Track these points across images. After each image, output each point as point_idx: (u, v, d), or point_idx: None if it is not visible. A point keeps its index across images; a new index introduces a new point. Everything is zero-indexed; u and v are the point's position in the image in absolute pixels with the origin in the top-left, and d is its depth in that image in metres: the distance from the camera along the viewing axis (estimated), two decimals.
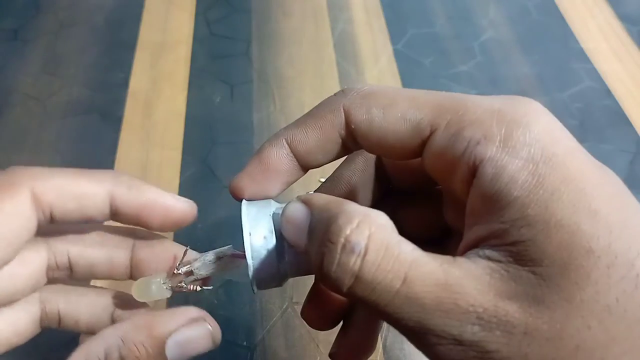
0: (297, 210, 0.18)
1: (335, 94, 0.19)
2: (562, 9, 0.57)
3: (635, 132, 0.46)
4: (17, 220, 0.18)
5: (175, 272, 0.21)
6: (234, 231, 0.21)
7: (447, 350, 0.14)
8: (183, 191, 0.41)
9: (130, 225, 0.21)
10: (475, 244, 0.16)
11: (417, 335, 0.15)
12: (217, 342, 0.20)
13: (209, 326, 0.19)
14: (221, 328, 0.24)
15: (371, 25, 0.55)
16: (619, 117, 0.47)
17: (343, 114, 0.18)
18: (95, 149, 0.43)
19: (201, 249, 0.23)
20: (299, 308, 0.35)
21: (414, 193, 0.23)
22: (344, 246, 0.15)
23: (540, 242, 0.14)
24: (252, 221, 0.19)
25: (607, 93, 0.49)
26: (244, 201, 0.20)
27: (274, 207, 0.20)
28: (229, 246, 0.21)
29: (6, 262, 0.19)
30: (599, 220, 0.14)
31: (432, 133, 0.17)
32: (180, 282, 0.21)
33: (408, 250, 0.15)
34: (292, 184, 0.21)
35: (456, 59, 0.52)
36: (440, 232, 0.22)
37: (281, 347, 0.34)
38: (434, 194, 0.22)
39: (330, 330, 0.22)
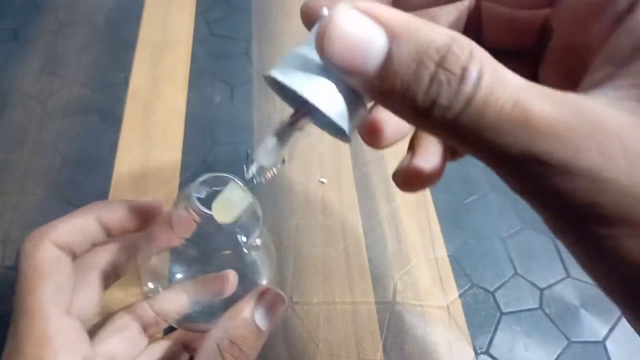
0: (363, 28, 0.14)
1: None
2: None
3: None
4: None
5: (246, 177, 0.19)
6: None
7: (552, 180, 0.14)
8: None
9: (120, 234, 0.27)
10: (600, 84, 0.15)
11: (519, 164, 0.14)
12: (285, 300, 0.25)
13: (276, 291, 0.25)
14: None
15: None
16: None
17: None
18: (95, 149, 0.43)
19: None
20: (299, 308, 0.35)
21: (501, 51, 0.22)
22: (462, 76, 0.14)
23: None
24: (301, 73, 0.16)
25: None
26: (274, 70, 0.17)
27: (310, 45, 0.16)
28: (280, 121, 0.19)
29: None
30: None
31: None
32: (256, 179, 0.20)
33: (517, 77, 0.14)
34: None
35: None
36: None
37: (281, 347, 0.33)
38: (523, 54, 0.21)
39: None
